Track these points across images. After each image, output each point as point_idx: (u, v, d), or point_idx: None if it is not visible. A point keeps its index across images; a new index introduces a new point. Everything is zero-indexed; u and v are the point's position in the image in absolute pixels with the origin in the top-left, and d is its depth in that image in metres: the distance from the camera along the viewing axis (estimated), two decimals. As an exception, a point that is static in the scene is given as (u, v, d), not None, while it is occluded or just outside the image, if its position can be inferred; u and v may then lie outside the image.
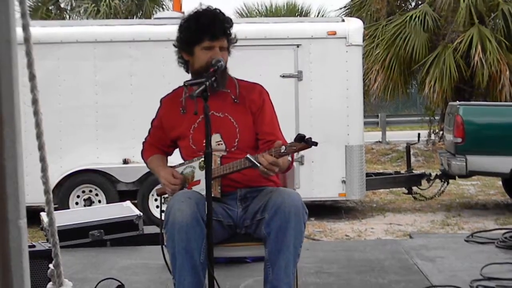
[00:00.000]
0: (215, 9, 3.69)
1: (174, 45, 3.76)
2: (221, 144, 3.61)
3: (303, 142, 3.20)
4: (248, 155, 3.31)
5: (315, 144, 3.20)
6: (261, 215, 3.41)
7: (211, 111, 3.50)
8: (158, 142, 3.85)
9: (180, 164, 3.68)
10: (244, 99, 3.68)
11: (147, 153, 3.90)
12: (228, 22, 3.69)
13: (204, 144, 3.41)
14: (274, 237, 3.31)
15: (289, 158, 3.46)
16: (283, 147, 3.26)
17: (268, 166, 3.26)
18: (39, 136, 1.45)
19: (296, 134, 3.24)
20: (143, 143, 3.94)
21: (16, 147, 1.29)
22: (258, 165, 3.26)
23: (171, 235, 3.29)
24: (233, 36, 3.70)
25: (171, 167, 3.73)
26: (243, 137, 3.63)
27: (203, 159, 3.36)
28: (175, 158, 3.86)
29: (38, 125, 1.45)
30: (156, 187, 3.82)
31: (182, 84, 3.82)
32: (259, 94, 3.72)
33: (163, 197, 3.77)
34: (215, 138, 3.59)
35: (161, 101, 3.85)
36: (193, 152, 3.61)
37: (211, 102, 3.49)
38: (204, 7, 3.69)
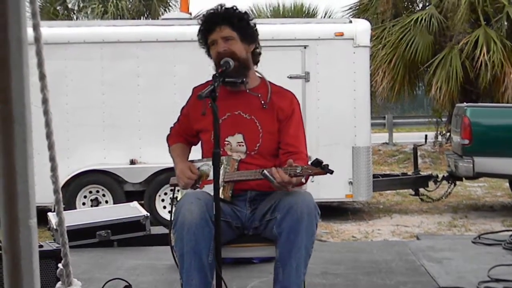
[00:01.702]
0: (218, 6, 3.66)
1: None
2: (242, 145, 3.60)
3: (319, 167, 3.19)
4: (264, 171, 3.28)
5: (331, 172, 3.19)
6: (271, 215, 3.40)
7: (238, 111, 3.52)
8: (184, 130, 3.83)
9: (199, 160, 3.67)
10: (273, 105, 3.64)
11: (172, 140, 3.89)
12: (228, 11, 3.62)
13: (225, 142, 3.43)
14: (285, 238, 3.29)
15: (303, 179, 3.43)
16: (299, 167, 3.25)
17: (282, 183, 3.25)
18: (48, 135, 1.45)
19: (314, 159, 3.24)
20: (171, 128, 3.93)
21: (27, 146, 1.29)
22: (274, 180, 3.26)
23: (179, 235, 3.28)
24: (240, 22, 3.60)
25: (190, 161, 3.71)
26: (265, 142, 3.60)
27: (221, 159, 3.37)
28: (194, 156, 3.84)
29: (48, 124, 1.44)
30: (172, 178, 3.80)
31: (194, 84, 3.83)
32: (290, 103, 3.68)
33: (173, 198, 3.76)
34: (237, 138, 3.59)
35: (193, 89, 3.78)
36: (212, 147, 3.56)
37: (240, 101, 3.53)
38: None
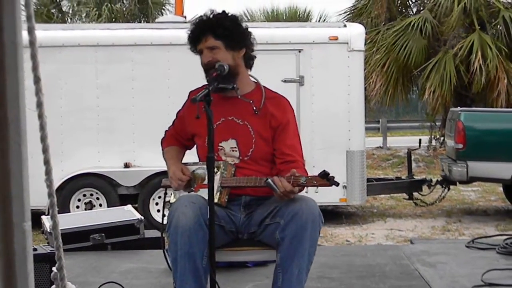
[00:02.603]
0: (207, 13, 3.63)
1: None
2: (236, 150, 3.59)
3: (325, 179, 3.18)
4: (269, 179, 3.26)
5: (337, 184, 3.18)
6: (272, 220, 3.39)
7: (231, 116, 3.52)
8: (179, 133, 3.81)
9: (194, 163, 3.66)
10: (266, 112, 3.61)
11: (166, 142, 3.87)
12: (211, 20, 3.58)
13: (219, 147, 3.43)
14: (288, 243, 3.28)
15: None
16: (303, 178, 3.24)
17: (285, 193, 3.24)
18: (43, 139, 1.45)
19: (322, 170, 3.20)
20: (166, 131, 3.91)
21: (21, 149, 1.29)
22: (277, 190, 3.24)
23: (174, 239, 3.26)
24: (224, 31, 3.53)
25: (185, 163, 3.69)
26: (258, 148, 3.58)
27: (218, 164, 3.36)
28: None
29: (42, 128, 1.44)
30: (164, 179, 3.79)
31: (188, 88, 3.82)
32: (284, 111, 3.65)
33: (165, 201, 3.76)
34: (231, 143, 3.58)
35: (189, 93, 3.75)
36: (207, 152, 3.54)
37: (232, 107, 3.52)
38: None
